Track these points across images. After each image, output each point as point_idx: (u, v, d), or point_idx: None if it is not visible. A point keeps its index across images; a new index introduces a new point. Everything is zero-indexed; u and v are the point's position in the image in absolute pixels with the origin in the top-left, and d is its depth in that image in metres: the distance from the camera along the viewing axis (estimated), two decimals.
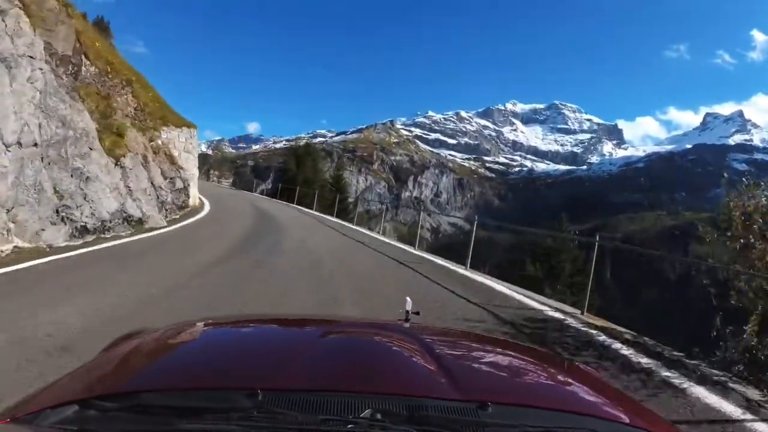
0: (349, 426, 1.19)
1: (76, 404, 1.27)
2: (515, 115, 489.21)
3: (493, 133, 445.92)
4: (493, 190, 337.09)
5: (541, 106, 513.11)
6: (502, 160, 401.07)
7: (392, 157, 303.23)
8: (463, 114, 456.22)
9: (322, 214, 33.31)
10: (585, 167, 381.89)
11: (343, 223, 29.52)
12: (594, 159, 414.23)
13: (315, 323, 2.61)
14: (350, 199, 50.78)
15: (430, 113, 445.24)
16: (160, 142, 21.77)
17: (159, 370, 1.66)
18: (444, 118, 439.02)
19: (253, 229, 19.77)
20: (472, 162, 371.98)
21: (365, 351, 1.88)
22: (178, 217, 20.47)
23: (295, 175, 51.46)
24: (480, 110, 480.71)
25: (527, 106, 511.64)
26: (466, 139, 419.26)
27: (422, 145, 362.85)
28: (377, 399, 1.32)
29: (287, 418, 1.19)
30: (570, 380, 1.92)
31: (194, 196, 26.57)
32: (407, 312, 2.55)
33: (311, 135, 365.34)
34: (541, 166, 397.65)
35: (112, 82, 20.10)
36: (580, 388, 1.80)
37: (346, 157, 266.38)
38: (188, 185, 23.50)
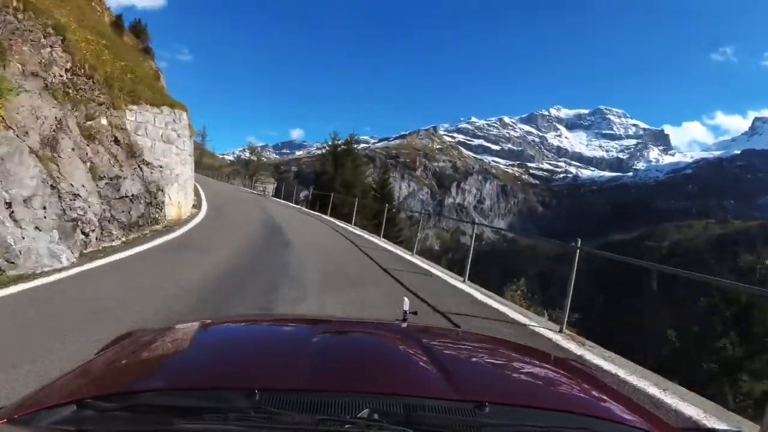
0: (347, 426, 1.19)
1: (74, 404, 1.27)
2: (559, 120, 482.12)
3: (537, 139, 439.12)
4: (537, 197, 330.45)
5: (586, 111, 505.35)
6: (546, 166, 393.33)
7: (435, 163, 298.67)
8: (507, 120, 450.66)
9: (363, 233, 23.31)
10: (631, 174, 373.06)
11: (404, 254, 16.66)
12: (640, 165, 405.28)
13: (313, 323, 2.53)
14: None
15: (474, 119, 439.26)
16: (104, 121, 13.52)
17: (156, 370, 1.66)
18: (487, 124, 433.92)
19: (245, 268, 11.22)
20: (515, 168, 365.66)
21: (363, 351, 1.91)
22: (124, 241, 12.20)
23: (332, 179, 43.01)
24: (524, 116, 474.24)
25: (571, 112, 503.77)
26: (509, 145, 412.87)
27: (465, 151, 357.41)
28: (374, 399, 1.32)
29: (284, 418, 1.19)
30: (567, 380, 1.89)
31: (182, 204, 18.53)
32: (405, 312, 2.48)
33: (354, 140, 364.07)
34: (586, 173, 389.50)
35: (20, 24, 12.09)
36: (578, 388, 1.79)
37: (388, 163, 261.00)
38: (161, 191, 15.41)
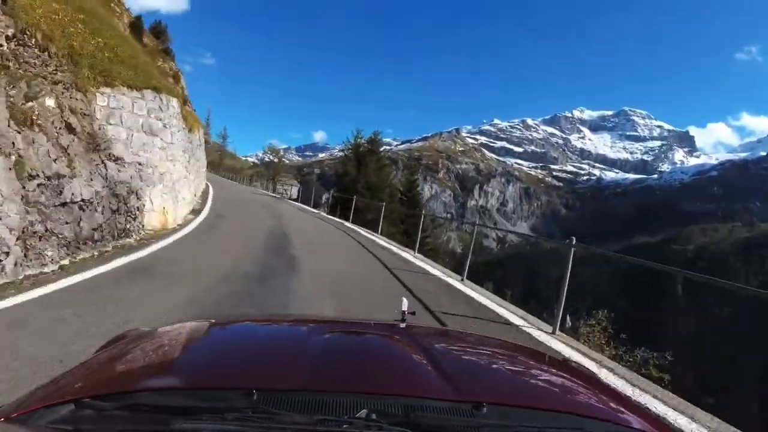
0: (345, 426, 1.19)
1: (72, 403, 1.26)
2: (583, 122, 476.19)
3: (561, 141, 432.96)
4: (561, 199, 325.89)
5: (610, 112, 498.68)
6: (569, 168, 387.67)
7: (458, 166, 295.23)
8: (530, 121, 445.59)
9: (392, 245, 18.74)
10: (655, 176, 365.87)
11: (453, 282, 12.13)
12: (665, 167, 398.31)
13: (311, 323, 2.49)
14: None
15: (496, 121, 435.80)
16: (51, 103, 9.96)
17: (154, 369, 1.64)
18: (510, 126, 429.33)
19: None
20: (538, 170, 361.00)
21: (361, 351, 1.92)
22: (64, 265, 8.53)
23: (354, 181, 38.91)
24: (547, 117, 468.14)
25: (595, 113, 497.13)
26: (532, 147, 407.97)
27: (488, 153, 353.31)
28: (373, 399, 1.32)
29: (283, 418, 1.18)
30: (566, 381, 1.88)
31: (168, 210, 15.00)
32: (403, 312, 2.45)
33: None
34: (610, 175, 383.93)
35: None
36: (577, 389, 1.78)
37: (414, 165, 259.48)
38: (134, 194, 12.03)
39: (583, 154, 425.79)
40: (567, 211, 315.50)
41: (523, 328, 8.27)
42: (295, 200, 45.91)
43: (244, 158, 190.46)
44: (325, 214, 30.08)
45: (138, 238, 11.95)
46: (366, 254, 15.80)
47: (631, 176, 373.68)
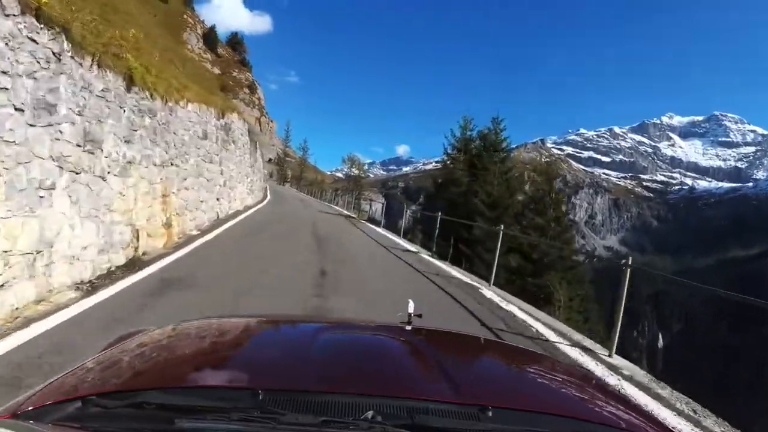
0: (350, 428, 1.16)
1: (78, 401, 1.24)
2: (672, 128, 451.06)
3: (650, 149, 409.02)
4: (651, 211, 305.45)
5: (700, 118, 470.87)
6: (660, 177, 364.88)
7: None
8: (617, 130, 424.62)
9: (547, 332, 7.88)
10: (750, 184, 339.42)
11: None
12: (760, 174, 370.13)
13: (318, 324, 2.50)
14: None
15: (582, 130, 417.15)
16: None
17: (160, 368, 1.62)
18: (597, 135, 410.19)
19: None
20: (627, 181, 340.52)
21: (367, 353, 1.87)
22: None
23: (464, 194, 26.25)
24: (634, 125, 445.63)
25: (685, 119, 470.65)
26: (620, 157, 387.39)
27: (575, 164, 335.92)
28: (378, 401, 1.29)
29: (287, 418, 1.16)
30: (572, 385, 1.86)
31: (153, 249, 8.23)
32: (410, 315, 2.37)
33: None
34: (703, 184, 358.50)
35: None
36: (582, 393, 1.78)
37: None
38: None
39: (674, 163, 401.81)
40: (658, 224, 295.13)
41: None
42: (371, 222, 29.98)
43: (329, 173, 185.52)
44: (415, 248, 16.98)
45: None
46: None
47: (725, 185, 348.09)
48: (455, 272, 12.54)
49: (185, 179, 12.22)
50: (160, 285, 7.34)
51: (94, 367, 1.58)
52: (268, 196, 39.12)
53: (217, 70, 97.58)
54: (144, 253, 9.13)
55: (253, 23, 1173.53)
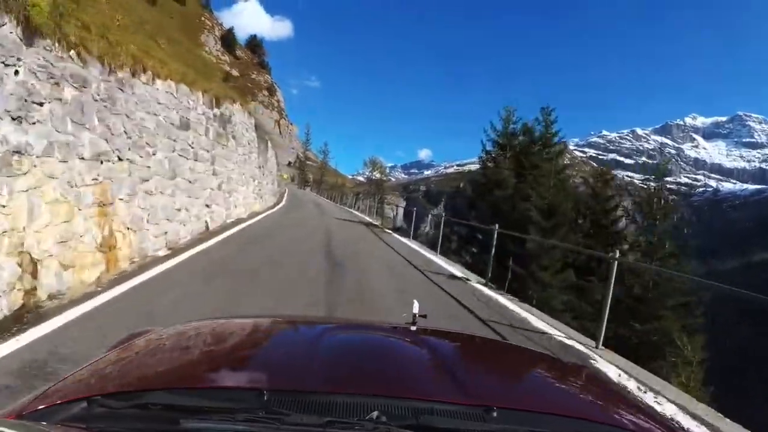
0: (355, 428, 1.14)
1: (84, 401, 1.23)
2: (696, 129, 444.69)
3: (673, 151, 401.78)
4: (676, 213, 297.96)
5: (724, 118, 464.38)
6: (683, 180, 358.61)
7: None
8: (640, 131, 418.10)
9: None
10: None
11: None
12: None
13: (322, 325, 2.42)
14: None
15: (604, 132, 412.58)
16: None
17: (166, 368, 1.59)
18: (619, 137, 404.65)
19: None
20: (651, 183, 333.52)
21: (372, 353, 1.84)
22: None
23: (511, 198, 21.62)
24: (657, 126, 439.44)
25: (708, 120, 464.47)
26: (644, 159, 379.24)
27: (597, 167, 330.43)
28: (383, 401, 1.27)
29: (292, 418, 1.14)
30: (577, 385, 1.85)
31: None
32: (414, 315, 2.40)
33: (483, 159, 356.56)
34: (727, 186, 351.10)
35: None
36: (588, 394, 1.76)
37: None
38: None
39: (698, 164, 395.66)
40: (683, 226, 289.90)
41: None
42: (398, 231, 24.14)
43: (350, 176, 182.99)
44: (504, 300, 9.67)
45: None
46: None
47: (751, 187, 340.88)
48: (535, 320, 8.24)
49: (146, 180, 8.83)
50: (28, 374, 3.91)
51: (99, 368, 1.57)
52: (283, 201, 35.12)
53: (235, 72, 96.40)
54: (51, 296, 5.78)
55: (274, 28, 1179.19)
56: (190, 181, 11.44)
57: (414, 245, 17.54)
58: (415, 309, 2.42)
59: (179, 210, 10.70)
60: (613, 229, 21.18)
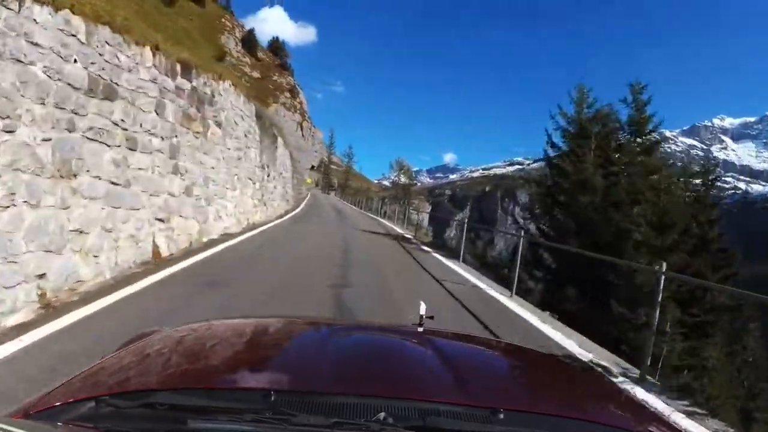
0: (362, 429, 1.14)
1: (92, 401, 1.22)
2: (724, 131, 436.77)
3: (701, 153, 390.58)
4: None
5: (753, 119, 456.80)
6: None
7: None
8: (667, 133, 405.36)
9: None
10: None
11: None
12: None
13: (329, 326, 2.38)
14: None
15: None
16: None
17: (173, 369, 1.57)
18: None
19: None
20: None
21: (378, 354, 1.81)
22: None
23: (602, 208, 15.45)
24: (685, 128, 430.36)
25: (737, 121, 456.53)
26: (671, 161, 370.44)
27: None
28: (389, 403, 1.25)
29: (299, 419, 1.13)
30: (584, 388, 1.82)
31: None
32: (421, 316, 2.36)
33: (508, 163, 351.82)
34: (757, 188, 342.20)
35: None
36: (595, 396, 1.73)
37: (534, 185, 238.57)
38: None
39: (727, 166, 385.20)
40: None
41: None
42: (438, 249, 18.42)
43: (375, 181, 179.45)
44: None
45: None
46: None
47: None
48: None
49: None
50: None
51: (106, 368, 1.56)
52: (300, 207, 30.37)
53: (256, 74, 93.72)
54: None
55: (297, 34, 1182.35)
56: (115, 182, 7.00)
57: (471, 276, 12.11)
58: (422, 310, 2.38)
59: (81, 232, 6.23)
60: (716, 246, 16.15)
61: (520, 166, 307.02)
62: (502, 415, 1.22)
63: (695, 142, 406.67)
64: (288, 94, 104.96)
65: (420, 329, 2.21)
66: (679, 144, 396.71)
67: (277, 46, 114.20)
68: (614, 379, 5.82)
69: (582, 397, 1.66)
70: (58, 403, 1.21)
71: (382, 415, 1.16)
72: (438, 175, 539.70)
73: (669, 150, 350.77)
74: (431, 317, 2.41)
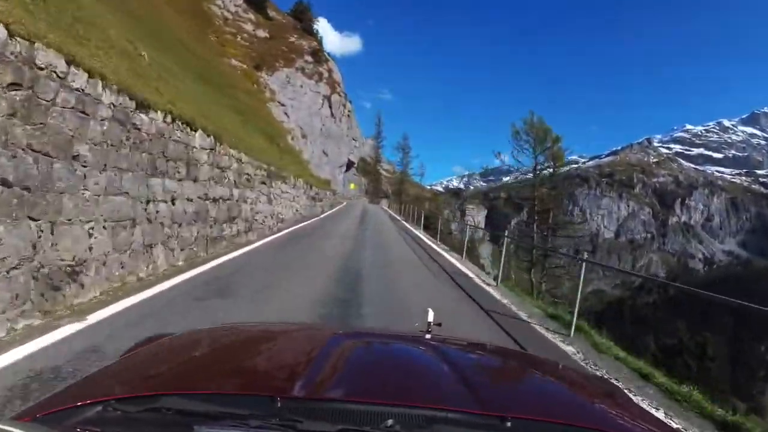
0: None
1: (99, 405, 1.23)
2: None
3: (763, 142, 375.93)
4: None
5: None
6: None
7: (654, 179, 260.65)
8: (726, 123, 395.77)
9: None
10: None
11: None
12: None
13: (336, 332, 2.26)
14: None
15: (688, 126, 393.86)
16: None
17: (179, 373, 1.60)
18: (705, 130, 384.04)
19: None
20: (743, 177, 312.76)
21: (386, 361, 1.88)
22: None
23: None
24: (744, 116, 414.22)
25: None
26: (732, 152, 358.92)
27: (685, 163, 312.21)
28: (397, 410, 1.26)
29: (305, 426, 1.15)
30: (592, 396, 1.83)
31: None
32: (429, 323, 2.40)
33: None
34: None
35: None
36: (605, 405, 1.72)
37: (604, 182, 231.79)
38: None
39: None
40: None
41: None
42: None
43: (430, 186, 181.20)
44: None
45: None
46: None
47: None
48: None
49: None
50: None
51: (113, 372, 1.61)
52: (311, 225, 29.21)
53: (262, 33, 76.41)
54: None
55: (343, 44, 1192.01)
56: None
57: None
58: (430, 317, 2.41)
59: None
60: None
61: (576, 165, 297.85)
62: (509, 423, 1.24)
63: (756, 131, 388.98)
64: (309, 58, 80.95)
65: (428, 336, 2.25)
66: (739, 133, 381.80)
67: (300, 9, 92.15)
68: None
69: (591, 405, 1.70)
70: (64, 407, 1.25)
71: (389, 422, 1.19)
72: (490, 178, 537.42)
73: (730, 140, 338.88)
74: (439, 324, 2.44)
